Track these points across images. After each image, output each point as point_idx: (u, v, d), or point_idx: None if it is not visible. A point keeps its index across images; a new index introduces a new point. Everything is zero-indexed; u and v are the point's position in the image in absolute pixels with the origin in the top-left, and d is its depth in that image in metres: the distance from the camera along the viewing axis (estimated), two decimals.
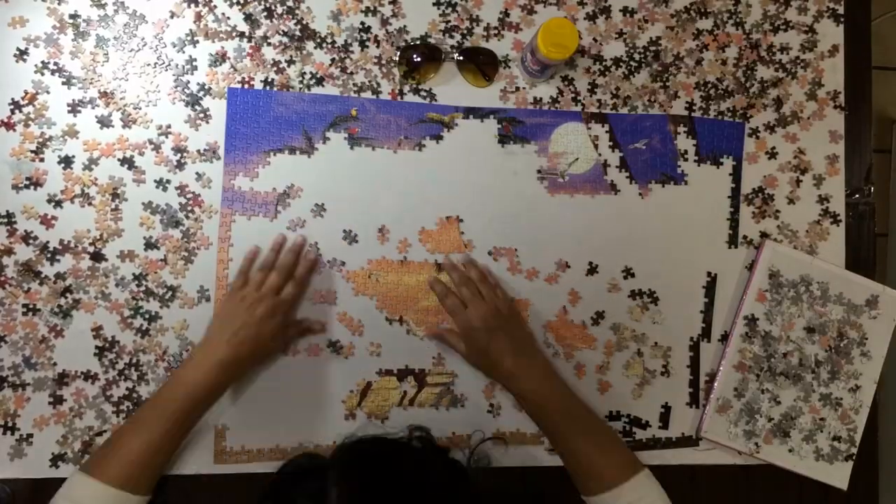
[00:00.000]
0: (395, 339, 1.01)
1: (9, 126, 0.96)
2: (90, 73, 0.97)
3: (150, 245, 0.97)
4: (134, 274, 0.97)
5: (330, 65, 1.02)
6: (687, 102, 1.08)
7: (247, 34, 1.00)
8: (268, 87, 1.00)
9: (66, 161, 0.96)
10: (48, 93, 0.96)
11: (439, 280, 1.01)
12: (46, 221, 0.96)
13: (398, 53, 1.02)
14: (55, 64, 0.97)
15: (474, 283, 0.98)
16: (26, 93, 0.96)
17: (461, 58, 1.03)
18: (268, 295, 0.92)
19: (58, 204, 0.96)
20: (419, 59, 1.02)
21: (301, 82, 1.01)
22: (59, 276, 0.96)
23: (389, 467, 0.70)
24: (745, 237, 1.08)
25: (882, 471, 1.09)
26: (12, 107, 0.96)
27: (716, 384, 1.04)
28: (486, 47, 1.05)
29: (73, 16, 0.97)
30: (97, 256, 0.97)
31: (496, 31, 1.05)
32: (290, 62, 1.01)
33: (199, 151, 0.99)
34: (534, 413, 0.95)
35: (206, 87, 0.99)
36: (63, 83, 0.97)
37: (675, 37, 1.09)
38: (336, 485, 0.66)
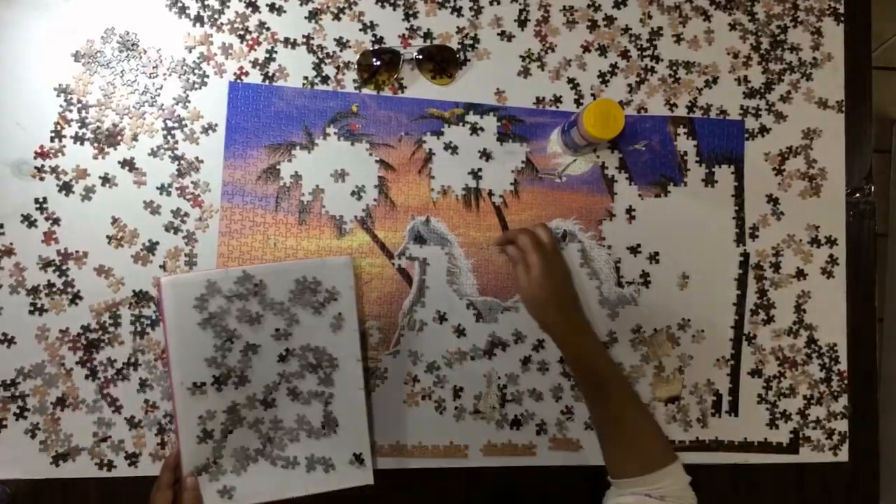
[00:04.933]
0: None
1: (45, 156, 0.96)
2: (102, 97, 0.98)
3: (150, 248, 0.97)
4: (134, 277, 0.96)
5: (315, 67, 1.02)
6: (689, 101, 1.09)
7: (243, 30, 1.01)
8: (267, 82, 1.01)
9: (66, 187, 0.96)
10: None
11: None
12: (48, 237, 0.96)
13: (356, 61, 1.02)
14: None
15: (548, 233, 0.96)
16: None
17: (420, 57, 1.02)
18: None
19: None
20: (378, 64, 1.01)
21: (305, 79, 1.01)
22: (61, 275, 0.95)
23: None
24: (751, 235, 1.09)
25: (883, 471, 1.08)
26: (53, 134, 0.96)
27: None
28: (444, 45, 1.04)
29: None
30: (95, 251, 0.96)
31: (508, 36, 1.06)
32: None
33: (197, 159, 0.98)
34: (589, 380, 0.92)
35: (207, 81, 0.99)
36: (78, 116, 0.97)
37: (681, 37, 1.10)
38: None
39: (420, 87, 1.03)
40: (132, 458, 0.95)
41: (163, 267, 0.97)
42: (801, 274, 1.09)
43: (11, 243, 0.95)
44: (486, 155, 1.04)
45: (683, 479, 0.90)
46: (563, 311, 0.91)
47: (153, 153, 0.97)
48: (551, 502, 1.03)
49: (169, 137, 0.98)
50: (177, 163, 0.98)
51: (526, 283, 0.92)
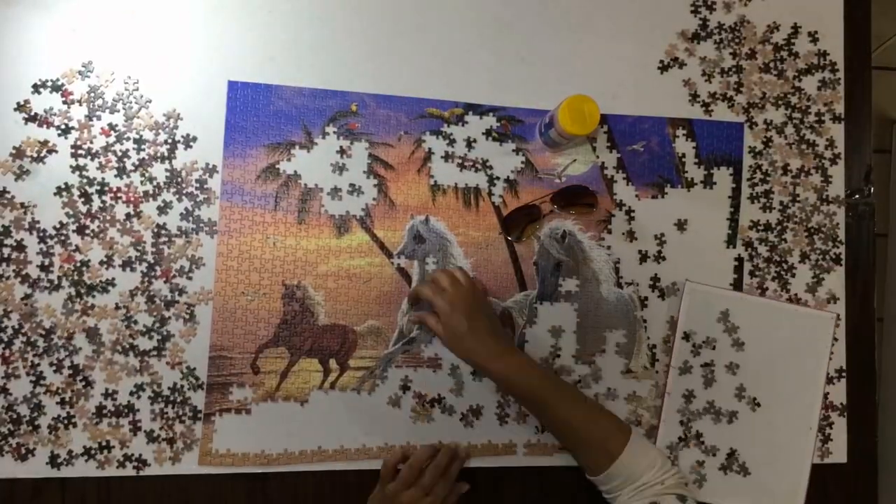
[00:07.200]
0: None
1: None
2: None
3: (156, 261, 0.97)
4: (137, 287, 0.96)
5: None
6: (690, 97, 1.09)
7: None
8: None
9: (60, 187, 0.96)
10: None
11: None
12: (46, 255, 0.95)
13: (502, 222, 1.04)
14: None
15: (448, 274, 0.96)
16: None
17: (563, 202, 1.04)
18: (419, 498, 0.91)
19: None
20: (523, 220, 1.03)
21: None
22: (66, 277, 0.95)
23: None
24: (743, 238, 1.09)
25: (882, 471, 1.08)
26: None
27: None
28: (576, 185, 1.05)
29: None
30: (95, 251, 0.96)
31: None
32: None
33: (197, 181, 0.98)
34: (523, 396, 0.93)
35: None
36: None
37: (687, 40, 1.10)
38: None
39: (418, 85, 1.04)
40: (131, 459, 0.95)
41: (163, 272, 0.97)
42: (794, 272, 1.09)
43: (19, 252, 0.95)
44: (485, 155, 1.04)
45: (648, 448, 0.91)
46: (477, 341, 0.91)
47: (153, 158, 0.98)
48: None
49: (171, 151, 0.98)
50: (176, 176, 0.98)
51: (439, 329, 0.93)
